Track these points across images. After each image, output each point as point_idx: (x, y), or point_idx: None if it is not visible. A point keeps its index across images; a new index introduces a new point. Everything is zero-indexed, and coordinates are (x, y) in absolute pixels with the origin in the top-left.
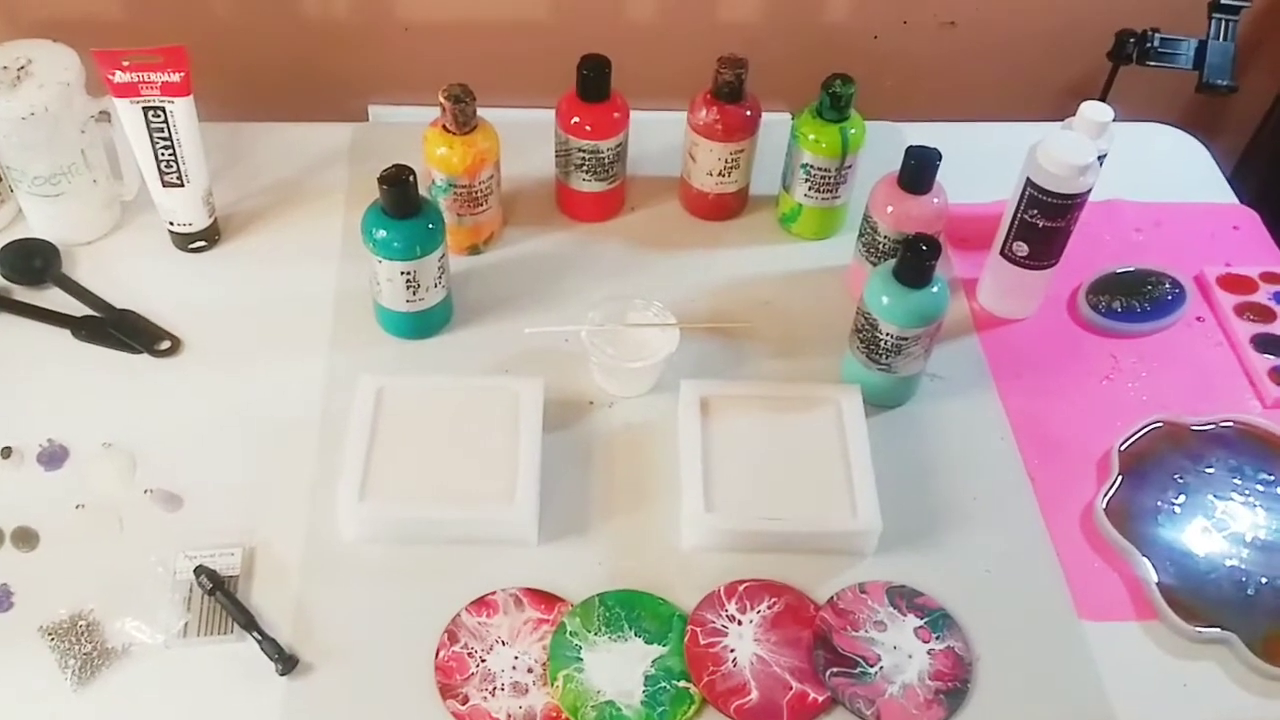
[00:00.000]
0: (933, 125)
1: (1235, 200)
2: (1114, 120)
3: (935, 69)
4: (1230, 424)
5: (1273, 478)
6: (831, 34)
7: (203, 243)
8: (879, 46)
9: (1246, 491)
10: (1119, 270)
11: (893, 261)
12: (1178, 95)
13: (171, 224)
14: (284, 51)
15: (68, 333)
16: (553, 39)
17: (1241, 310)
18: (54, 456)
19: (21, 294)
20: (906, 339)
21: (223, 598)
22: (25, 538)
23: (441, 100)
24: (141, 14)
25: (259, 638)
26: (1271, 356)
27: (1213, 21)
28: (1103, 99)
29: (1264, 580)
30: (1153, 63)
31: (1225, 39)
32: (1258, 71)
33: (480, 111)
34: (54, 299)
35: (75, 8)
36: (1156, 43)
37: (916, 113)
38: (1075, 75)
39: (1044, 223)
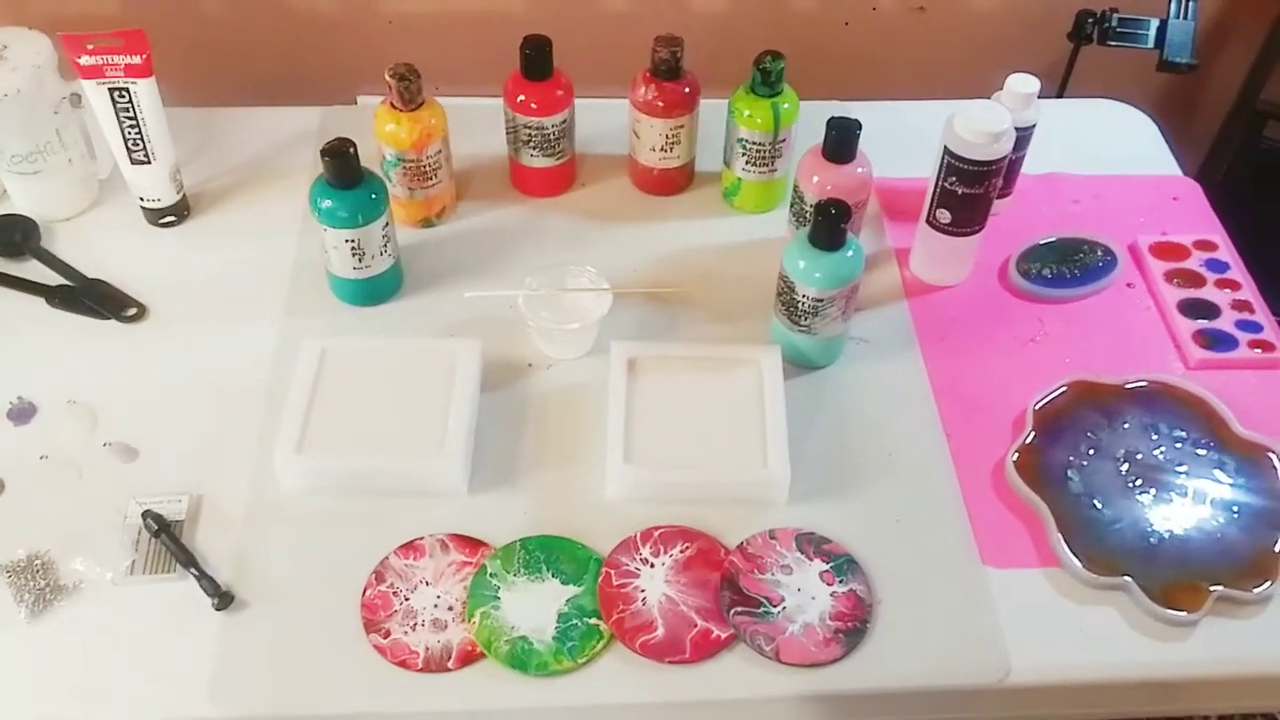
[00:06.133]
0: (885, 104)
1: (1179, 173)
2: (1082, 99)
3: (906, 54)
4: (1147, 383)
5: (1186, 435)
6: (803, 21)
7: (172, 218)
8: (850, 33)
9: (1160, 447)
10: (1052, 239)
11: (809, 227)
12: (1150, 80)
13: (142, 199)
14: (273, 45)
15: (42, 300)
16: (530, 31)
17: (1171, 276)
18: (22, 413)
19: (1, 265)
20: (822, 300)
21: (166, 539)
22: None
23: (387, 78)
24: (136, 10)
25: (197, 575)
26: (1198, 320)
27: (1173, 1)
28: (1064, 80)
29: (1167, 532)
30: (1113, 42)
31: (1186, 18)
32: (1228, 55)
33: (459, 100)
34: (32, 270)
35: (74, 5)
36: (1115, 22)
37: (886, 96)
38: (1046, 58)
39: (963, 189)
